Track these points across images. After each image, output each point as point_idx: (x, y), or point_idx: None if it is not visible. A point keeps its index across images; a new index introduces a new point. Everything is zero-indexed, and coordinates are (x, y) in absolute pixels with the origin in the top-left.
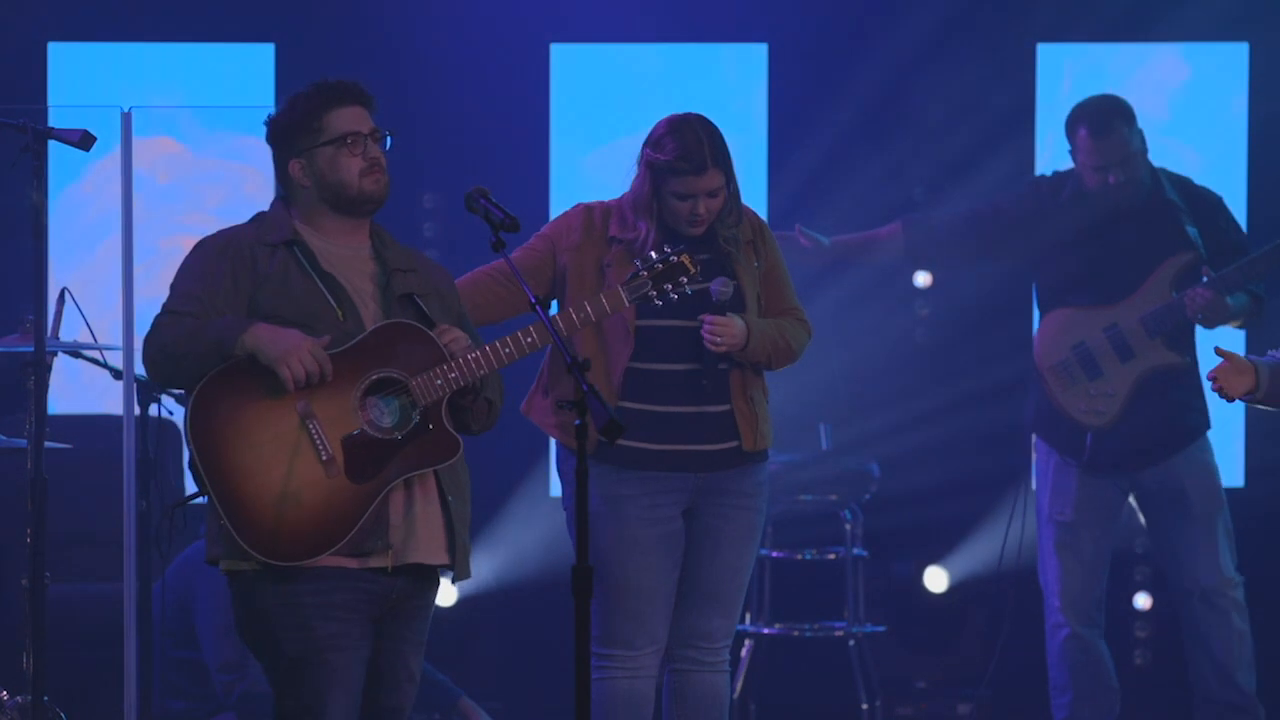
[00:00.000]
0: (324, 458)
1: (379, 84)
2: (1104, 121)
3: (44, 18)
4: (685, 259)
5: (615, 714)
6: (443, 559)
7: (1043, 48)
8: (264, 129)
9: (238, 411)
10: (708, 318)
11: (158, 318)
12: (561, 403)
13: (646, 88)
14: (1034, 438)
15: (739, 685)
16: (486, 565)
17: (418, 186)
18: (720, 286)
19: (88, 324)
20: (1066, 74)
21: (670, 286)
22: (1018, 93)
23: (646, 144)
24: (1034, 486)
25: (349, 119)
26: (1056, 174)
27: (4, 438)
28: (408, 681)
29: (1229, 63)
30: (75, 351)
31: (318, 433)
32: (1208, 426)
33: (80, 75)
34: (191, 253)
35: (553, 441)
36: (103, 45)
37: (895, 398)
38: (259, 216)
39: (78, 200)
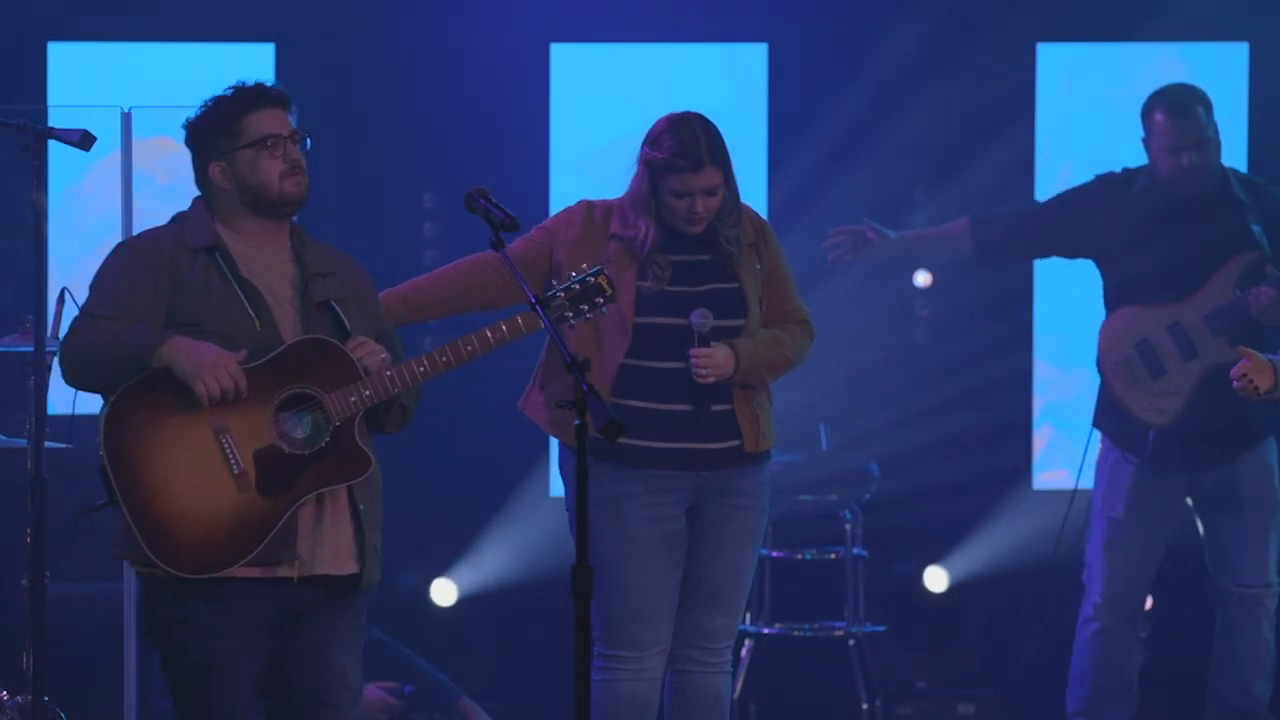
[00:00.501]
0: (236, 471)
1: (379, 84)
2: (1182, 103)
3: (44, 18)
4: (603, 280)
5: (619, 715)
6: (351, 568)
7: (1043, 48)
8: (182, 132)
9: (153, 422)
10: (694, 352)
11: (76, 320)
12: (561, 402)
13: (646, 88)
14: (1098, 433)
15: (739, 685)
16: (486, 565)
17: (418, 186)
18: (699, 319)
19: None
20: (1066, 74)
21: (586, 307)
22: (1018, 93)
23: (645, 142)
24: (1049, 487)
25: (268, 121)
26: (1127, 170)
27: (4, 438)
28: (347, 694)
29: (1229, 63)
30: None
31: (230, 447)
32: (1273, 430)
33: (80, 75)
34: (113, 253)
35: (554, 441)
36: (103, 45)
37: (895, 398)
38: (180, 217)
39: (78, 200)
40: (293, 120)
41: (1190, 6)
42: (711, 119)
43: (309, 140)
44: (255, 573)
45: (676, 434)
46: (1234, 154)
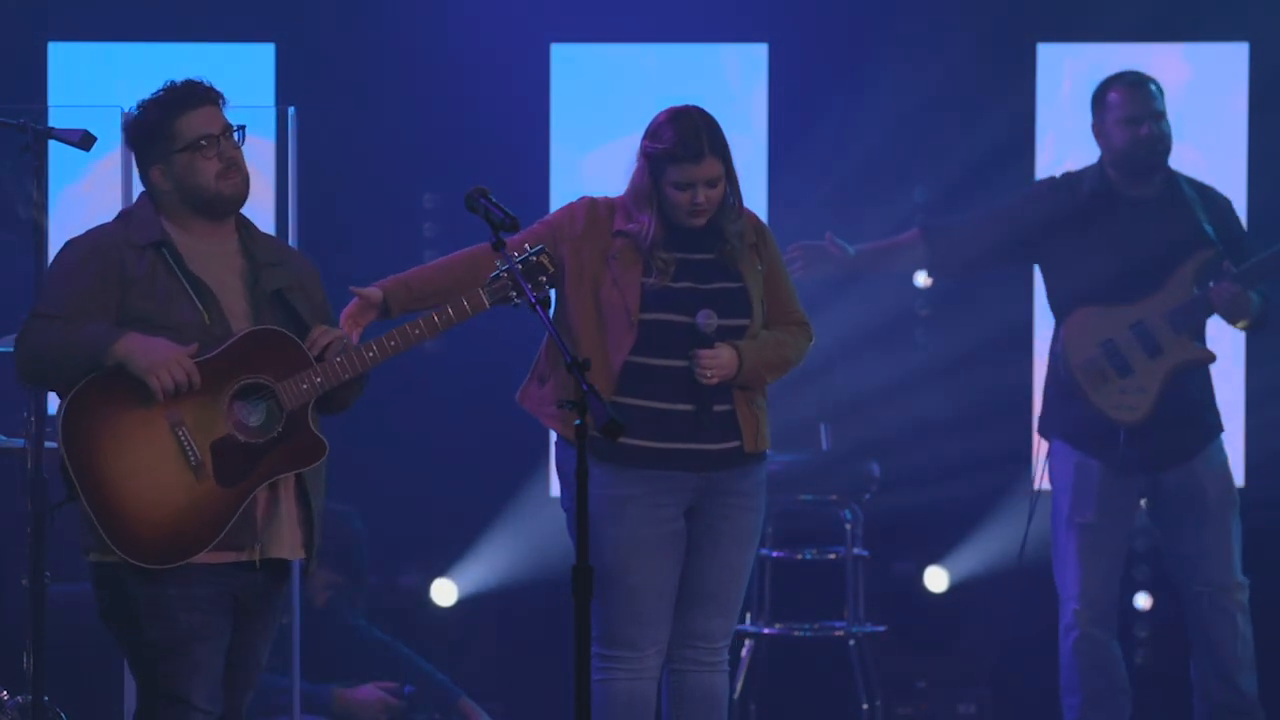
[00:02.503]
0: (194, 462)
1: (379, 84)
2: (1137, 79)
3: (44, 18)
4: (544, 258)
5: (618, 715)
6: (299, 554)
7: (1043, 48)
8: (121, 134)
9: (110, 418)
10: (699, 352)
11: (28, 321)
12: (562, 402)
13: (646, 88)
14: (1048, 440)
15: (739, 685)
16: (486, 565)
17: (418, 186)
18: (705, 319)
19: None
20: (1066, 74)
21: (530, 286)
22: (1018, 93)
23: (645, 135)
24: (1044, 488)
25: (200, 121)
26: (1068, 174)
27: (4, 438)
28: (253, 675)
29: (1229, 63)
30: None
31: (187, 438)
32: (1222, 428)
33: (80, 75)
34: (60, 252)
35: (553, 441)
36: (103, 45)
37: (895, 398)
38: (126, 214)
39: (78, 200)
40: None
41: (1190, 6)
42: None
43: (243, 132)
44: (220, 557)
45: (678, 434)
46: (1234, 154)
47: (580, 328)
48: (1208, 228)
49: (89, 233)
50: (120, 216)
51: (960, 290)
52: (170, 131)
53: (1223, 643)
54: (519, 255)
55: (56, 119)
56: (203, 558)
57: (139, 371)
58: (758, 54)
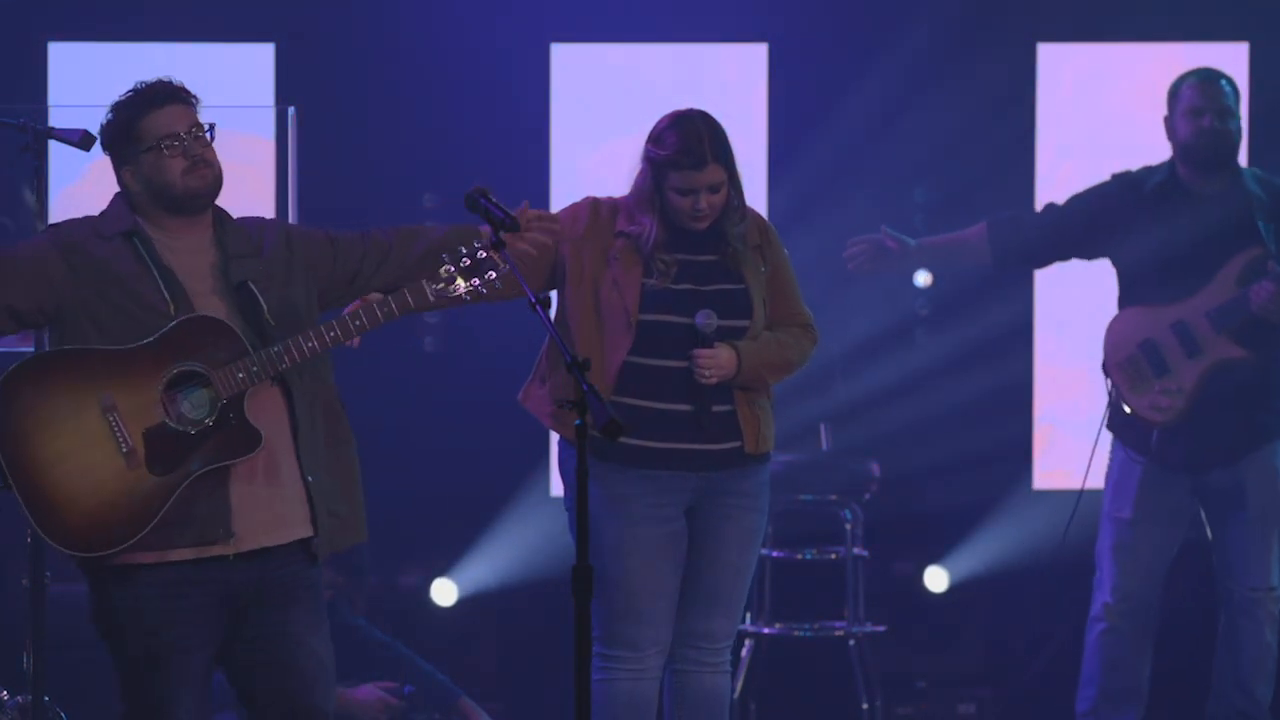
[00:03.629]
0: (124, 449)
1: (379, 84)
2: (1210, 74)
3: (44, 18)
4: (494, 254)
5: (618, 715)
6: (289, 537)
7: (1043, 48)
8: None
9: (40, 403)
10: (697, 352)
11: None
12: (562, 402)
13: (646, 88)
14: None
15: (739, 685)
16: (487, 565)
17: (418, 186)
18: (704, 319)
19: None
20: (1066, 74)
21: (478, 281)
22: (1018, 93)
23: (648, 140)
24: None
25: (165, 121)
26: (1145, 168)
27: None
28: (317, 668)
29: (1229, 63)
30: None
31: (118, 424)
32: (1278, 432)
33: (80, 75)
34: (37, 234)
35: (553, 441)
36: (103, 45)
37: (895, 398)
38: (102, 211)
39: (78, 200)
40: (199, 114)
41: (1190, 6)
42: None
43: (213, 129)
44: (193, 554)
45: (677, 434)
46: None
47: (579, 328)
48: (1261, 225)
49: (64, 221)
50: (93, 215)
51: (960, 290)
52: (136, 132)
53: (1246, 649)
54: (465, 249)
55: (56, 119)
56: (177, 554)
57: None
58: (758, 54)
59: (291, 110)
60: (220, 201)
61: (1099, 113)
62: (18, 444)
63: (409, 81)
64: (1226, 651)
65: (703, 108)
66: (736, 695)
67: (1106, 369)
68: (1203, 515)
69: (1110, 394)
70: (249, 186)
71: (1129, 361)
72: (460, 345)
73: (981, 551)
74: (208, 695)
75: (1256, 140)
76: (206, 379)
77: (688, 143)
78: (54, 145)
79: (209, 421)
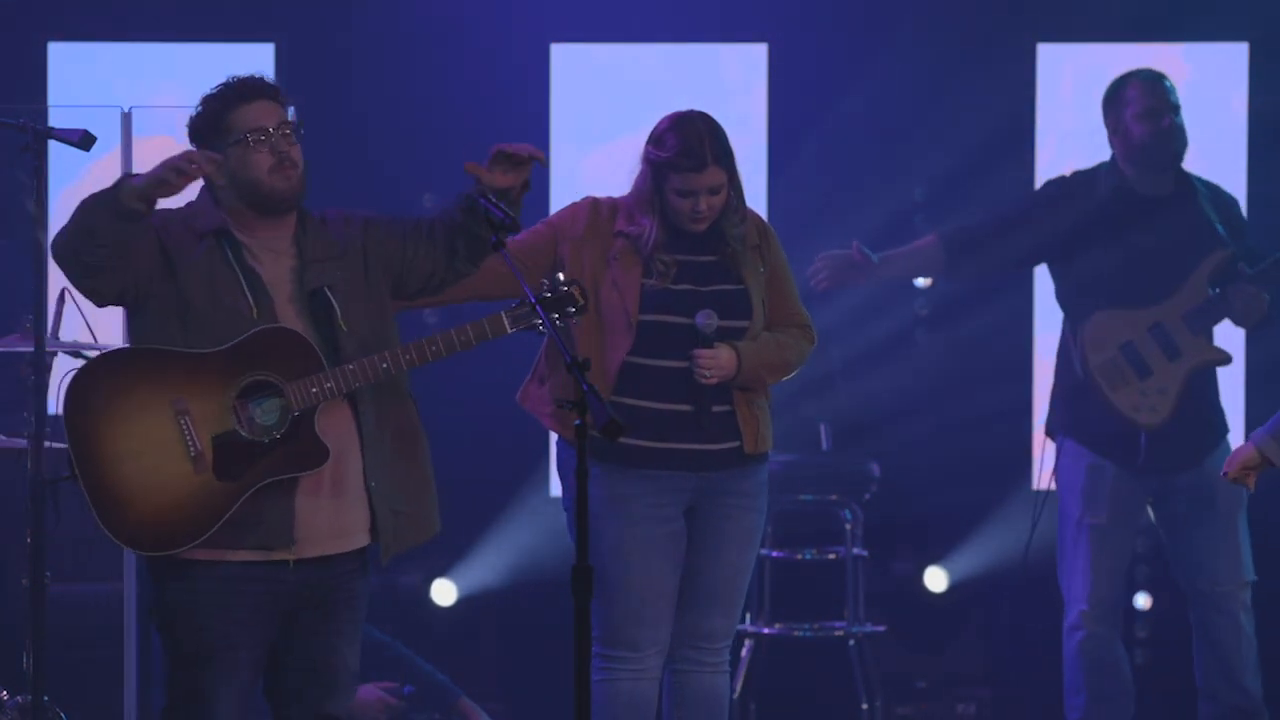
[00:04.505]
0: (193, 453)
1: (379, 84)
2: (1152, 74)
3: (44, 18)
4: (575, 291)
5: (619, 715)
6: (349, 546)
7: (1043, 48)
8: (184, 131)
9: (115, 399)
10: (697, 352)
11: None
12: (562, 402)
13: (646, 88)
14: (1056, 440)
15: (739, 685)
16: (487, 565)
17: (418, 186)
18: (705, 319)
19: (88, 324)
20: (1066, 74)
21: (557, 317)
22: (1018, 93)
23: (649, 141)
24: (1045, 489)
25: (255, 115)
26: (1079, 173)
27: (4, 438)
28: (347, 679)
29: (1229, 63)
30: (75, 351)
31: (189, 428)
32: (1228, 428)
33: (80, 75)
34: None
35: (553, 441)
36: (103, 45)
37: (895, 398)
38: (188, 204)
39: (78, 200)
40: (289, 113)
41: (1190, 6)
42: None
43: (300, 128)
44: (255, 556)
45: (676, 434)
46: (1234, 154)
47: (579, 328)
48: (1220, 227)
49: (160, 210)
50: (183, 207)
51: (960, 290)
52: (224, 125)
53: (1227, 643)
54: (548, 284)
55: (56, 119)
56: (239, 556)
57: (151, 182)
58: (758, 54)
59: (292, 110)
60: None
61: (1099, 113)
62: (88, 437)
63: (409, 81)
64: (1206, 649)
65: (703, 108)
66: (736, 695)
67: (1086, 373)
68: (1152, 516)
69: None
70: None
71: (1110, 364)
72: None
73: (981, 551)
74: (252, 696)
75: (1257, 140)
76: (279, 389)
77: (688, 145)
78: (54, 145)
79: (278, 433)
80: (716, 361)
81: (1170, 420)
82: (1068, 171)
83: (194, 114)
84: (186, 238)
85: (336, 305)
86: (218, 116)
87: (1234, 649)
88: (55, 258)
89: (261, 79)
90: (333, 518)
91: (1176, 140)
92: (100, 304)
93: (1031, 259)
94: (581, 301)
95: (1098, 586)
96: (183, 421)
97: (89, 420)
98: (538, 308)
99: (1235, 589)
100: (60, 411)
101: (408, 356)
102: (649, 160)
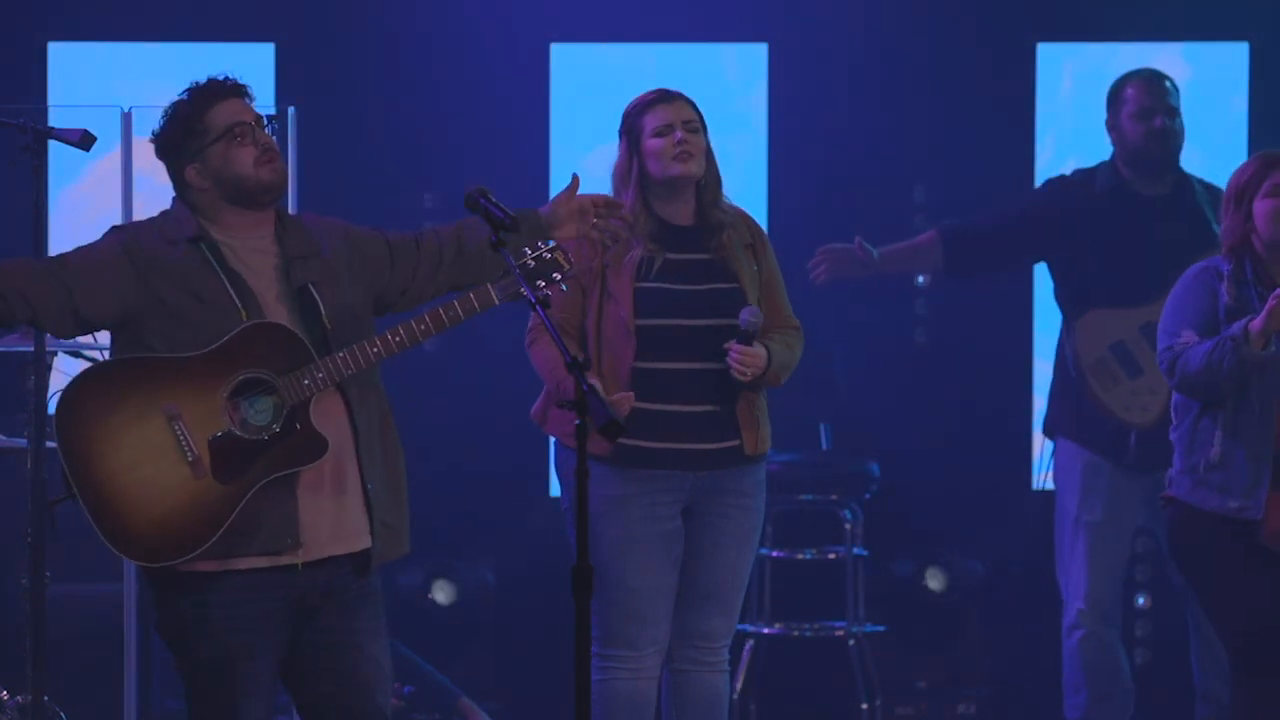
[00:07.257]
0: (190, 458)
1: (379, 84)
2: (1154, 76)
3: (44, 18)
4: (559, 255)
5: (618, 715)
6: (354, 547)
7: (1043, 48)
8: (152, 145)
9: (105, 412)
10: (738, 348)
11: None
12: (561, 402)
13: (646, 88)
14: (1053, 440)
15: (739, 685)
16: (487, 565)
17: (418, 186)
18: (750, 316)
19: None
20: (1066, 74)
21: (544, 283)
22: (1018, 93)
23: (623, 117)
24: (1051, 487)
25: (230, 112)
26: (1079, 171)
27: (4, 438)
28: (377, 673)
29: (1229, 63)
30: (75, 351)
31: (184, 433)
32: None
33: (80, 75)
34: (103, 236)
35: (552, 441)
36: (103, 45)
37: (895, 398)
38: (161, 215)
39: (78, 200)
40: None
41: (1190, 6)
42: (707, 117)
43: (273, 123)
44: (262, 563)
45: (676, 434)
46: (1234, 154)
47: (590, 341)
48: (1217, 228)
49: (128, 223)
50: (156, 217)
51: (960, 290)
52: (202, 125)
53: None
54: (531, 252)
55: (56, 119)
56: (246, 563)
57: None
58: (758, 54)
59: (291, 110)
60: None
61: (1099, 113)
62: (83, 455)
63: (409, 81)
64: (1204, 649)
65: (702, 108)
66: (736, 695)
67: (1077, 372)
68: (1154, 517)
69: (1064, 398)
70: None
71: (1101, 363)
72: (460, 346)
73: (981, 551)
74: (273, 703)
75: (1257, 140)
76: (270, 386)
77: (657, 91)
78: (54, 145)
79: (275, 429)
80: (756, 360)
81: (1160, 420)
82: (1068, 170)
83: (161, 125)
84: (160, 247)
85: (320, 301)
86: (191, 120)
87: None
88: None
89: (231, 79)
90: (335, 516)
91: (1169, 141)
92: (67, 337)
93: (1030, 256)
94: (567, 267)
95: (1095, 584)
96: (176, 427)
97: (81, 441)
98: (538, 309)
99: None
100: (55, 436)
101: (397, 338)
102: (623, 130)
